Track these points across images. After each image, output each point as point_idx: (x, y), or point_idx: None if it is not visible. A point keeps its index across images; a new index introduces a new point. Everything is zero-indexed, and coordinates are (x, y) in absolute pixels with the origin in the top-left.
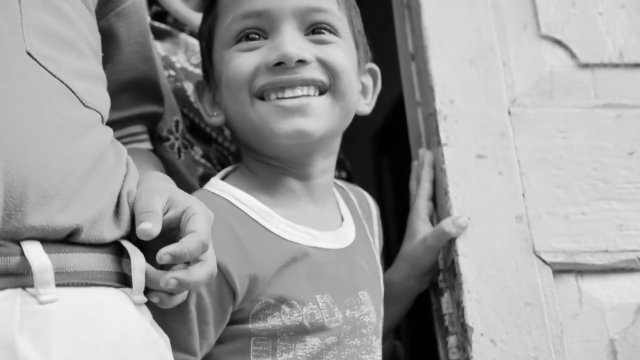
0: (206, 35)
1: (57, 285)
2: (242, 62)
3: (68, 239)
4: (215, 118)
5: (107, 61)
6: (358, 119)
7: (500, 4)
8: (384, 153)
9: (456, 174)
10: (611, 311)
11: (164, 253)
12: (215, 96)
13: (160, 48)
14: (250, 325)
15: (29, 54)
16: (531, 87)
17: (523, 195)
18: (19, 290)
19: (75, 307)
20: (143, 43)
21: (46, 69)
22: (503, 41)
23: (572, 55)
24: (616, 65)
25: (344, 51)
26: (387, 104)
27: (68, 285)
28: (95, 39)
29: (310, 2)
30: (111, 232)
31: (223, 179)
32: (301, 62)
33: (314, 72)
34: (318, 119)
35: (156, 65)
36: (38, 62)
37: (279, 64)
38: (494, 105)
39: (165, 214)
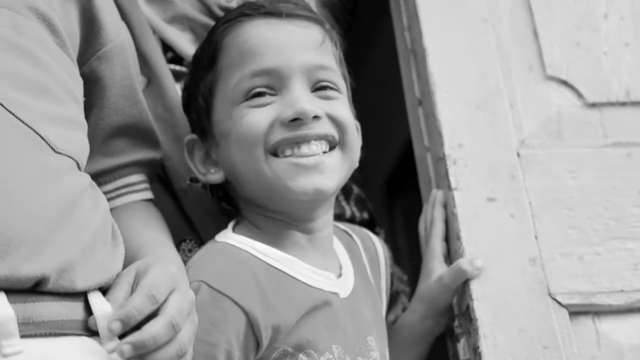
0: (206, 94)
1: (23, 336)
2: (256, 118)
3: (35, 288)
4: (212, 175)
5: (93, 106)
6: (370, 163)
7: (505, 46)
8: (396, 196)
9: (468, 218)
10: (630, 352)
11: (112, 321)
12: (212, 153)
13: (179, 89)
14: None
15: None
16: (539, 128)
17: (536, 237)
18: None
19: (41, 358)
20: (129, 86)
21: (13, 114)
22: (509, 83)
23: (579, 95)
24: (623, 104)
25: (345, 106)
26: (398, 148)
27: (35, 336)
28: (76, 85)
29: (316, 60)
30: (85, 281)
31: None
32: (315, 117)
33: (326, 128)
34: (332, 175)
35: (146, 109)
36: (4, 107)
37: (295, 119)
38: (503, 148)
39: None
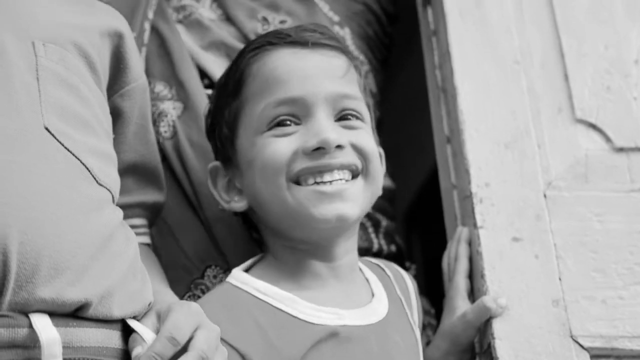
0: (230, 121)
1: (64, 359)
2: (279, 147)
3: (75, 313)
4: (236, 204)
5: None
6: (389, 198)
7: (535, 87)
8: (415, 230)
9: (492, 257)
10: None
11: None
12: (235, 181)
13: None
14: None
15: (47, 129)
16: (566, 171)
17: (560, 279)
18: None
19: None
20: (142, 125)
21: (63, 145)
22: (538, 124)
23: (607, 139)
24: None
25: (369, 136)
26: (418, 182)
27: None
28: (107, 121)
29: (341, 89)
30: (121, 309)
31: (248, 269)
32: (338, 147)
33: (349, 157)
34: (355, 203)
35: (156, 150)
36: (55, 138)
37: (318, 149)
38: (530, 188)
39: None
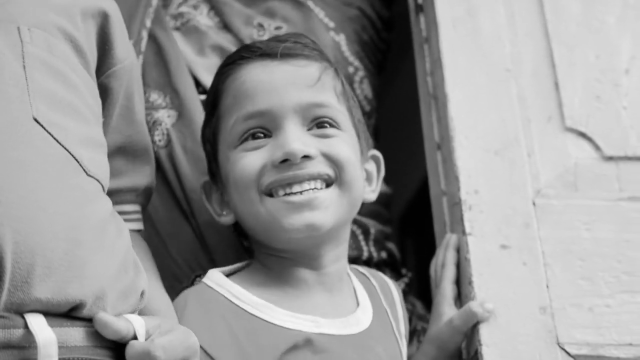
0: (210, 138)
1: (59, 359)
2: (249, 161)
3: (69, 313)
4: (225, 217)
5: None
6: (384, 202)
7: (526, 96)
8: (409, 235)
9: (480, 264)
10: None
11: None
12: (224, 195)
13: None
14: None
15: (36, 120)
16: (555, 179)
17: (547, 286)
18: None
19: None
20: (127, 106)
21: (52, 136)
22: (528, 133)
23: (597, 147)
24: None
25: (346, 143)
26: (412, 188)
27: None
28: (97, 105)
29: (311, 98)
30: (113, 309)
31: (232, 273)
32: (306, 157)
33: (319, 167)
34: (326, 211)
35: (143, 129)
36: (45, 129)
37: (284, 161)
38: (519, 196)
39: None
